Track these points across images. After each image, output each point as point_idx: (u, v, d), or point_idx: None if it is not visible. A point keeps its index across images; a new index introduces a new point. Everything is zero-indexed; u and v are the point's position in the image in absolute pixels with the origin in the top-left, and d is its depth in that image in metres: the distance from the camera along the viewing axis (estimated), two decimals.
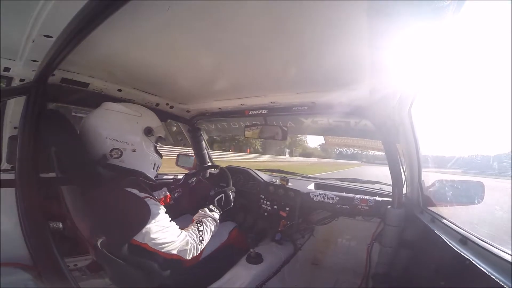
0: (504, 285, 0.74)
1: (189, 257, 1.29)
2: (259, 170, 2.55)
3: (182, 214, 1.97)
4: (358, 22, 0.77)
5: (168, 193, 1.92)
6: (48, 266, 0.99)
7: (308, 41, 1.03)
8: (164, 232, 1.23)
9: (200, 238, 1.37)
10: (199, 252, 1.35)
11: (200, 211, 1.53)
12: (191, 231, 1.37)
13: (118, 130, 1.33)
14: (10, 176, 1.38)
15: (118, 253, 1.23)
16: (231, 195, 1.70)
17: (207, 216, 1.50)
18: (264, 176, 2.40)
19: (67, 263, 1.04)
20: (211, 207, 1.56)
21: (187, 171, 2.52)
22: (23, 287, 1.17)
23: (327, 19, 0.85)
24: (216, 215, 1.53)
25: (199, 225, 1.42)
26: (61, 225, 1.53)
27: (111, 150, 1.30)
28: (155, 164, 1.47)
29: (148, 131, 1.40)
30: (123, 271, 1.34)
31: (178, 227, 1.31)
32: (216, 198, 1.62)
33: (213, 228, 1.47)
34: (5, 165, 1.44)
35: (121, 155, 1.32)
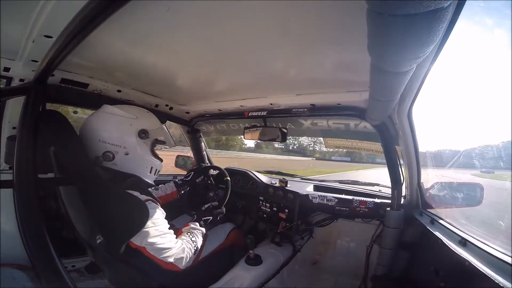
0: (503, 286, 0.74)
1: (182, 267, 1.28)
2: (258, 171, 2.55)
3: (180, 214, 1.98)
4: (357, 23, 0.77)
5: (175, 189, 1.93)
6: (46, 267, 0.98)
7: (308, 43, 1.03)
8: (163, 238, 1.23)
9: (195, 248, 1.37)
10: (191, 263, 1.33)
11: (191, 224, 1.53)
12: (185, 240, 1.37)
13: (110, 132, 1.31)
14: (8, 176, 1.37)
15: (116, 254, 1.23)
16: (219, 217, 1.73)
17: (197, 229, 1.50)
18: (263, 178, 2.40)
19: (65, 264, 1.03)
20: (201, 222, 1.57)
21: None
22: (21, 287, 1.16)
23: (327, 20, 0.85)
24: (203, 230, 1.54)
25: (191, 236, 1.42)
26: (59, 225, 1.53)
27: (103, 153, 1.29)
28: (152, 167, 1.44)
29: (143, 134, 1.38)
30: (122, 273, 1.34)
31: (174, 236, 1.31)
32: (204, 218, 1.62)
33: (201, 242, 1.47)
34: (3, 166, 1.44)
35: (113, 158, 1.30)
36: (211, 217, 1.66)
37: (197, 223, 1.55)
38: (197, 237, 1.44)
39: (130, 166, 1.36)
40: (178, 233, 1.43)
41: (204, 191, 2.12)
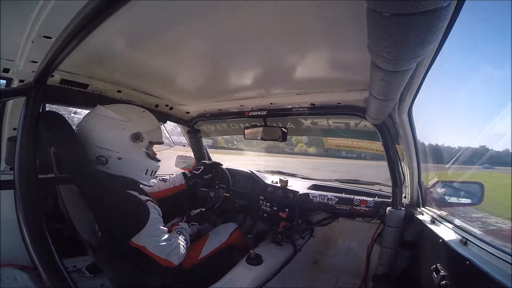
0: (504, 285, 0.74)
1: (177, 263, 1.28)
2: (258, 171, 2.55)
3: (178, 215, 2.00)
4: (357, 22, 0.77)
5: (184, 181, 1.95)
6: (47, 267, 0.99)
7: (308, 42, 1.03)
8: (161, 236, 1.25)
9: (186, 246, 1.38)
10: (182, 259, 1.33)
11: (181, 224, 1.56)
12: (177, 238, 1.38)
13: (103, 137, 1.29)
14: (8, 177, 1.38)
15: (117, 253, 1.23)
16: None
17: (186, 229, 1.52)
18: (264, 177, 2.40)
19: (65, 264, 1.03)
20: (189, 225, 1.60)
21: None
22: (22, 287, 1.17)
23: (327, 19, 0.85)
24: (190, 231, 1.57)
25: (181, 235, 1.43)
26: (60, 225, 1.53)
27: (96, 157, 1.28)
28: (147, 169, 1.43)
29: (136, 137, 1.35)
30: (123, 272, 1.34)
31: (168, 234, 1.32)
32: (192, 222, 1.65)
33: (189, 243, 1.49)
34: (3, 166, 1.44)
35: (106, 162, 1.30)
36: (197, 223, 1.68)
37: (186, 224, 1.57)
38: (187, 237, 1.46)
39: (124, 170, 1.34)
40: (168, 230, 1.44)
41: (207, 188, 2.13)
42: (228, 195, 2.05)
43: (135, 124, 1.37)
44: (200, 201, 2.04)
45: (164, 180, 1.88)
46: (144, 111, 1.46)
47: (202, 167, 2.05)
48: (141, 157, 1.40)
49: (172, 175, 1.97)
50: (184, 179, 1.95)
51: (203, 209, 1.81)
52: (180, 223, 1.56)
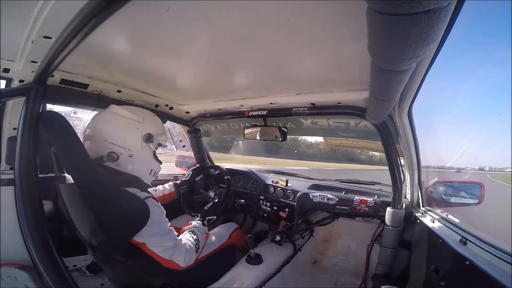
0: (504, 285, 0.74)
1: (183, 265, 1.28)
2: (259, 171, 2.55)
3: (180, 214, 2.00)
4: (357, 22, 0.77)
5: (174, 189, 1.97)
6: (48, 267, 0.99)
7: (308, 42, 1.03)
8: (163, 236, 1.24)
9: (196, 247, 1.38)
10: (193, 262, 1.34)
11: (193, 223, 1.56)
12: (186, 238, 1.38)
13: (117, 134, 1.34)
14: (8, 177, 1.38)
15: (116, 253, 1.23)
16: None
17: (199, 228, 1.52)
18: (264, 177, 2.40)
19: (66, 263, 1.03)
20: (205, 222, 1.61)
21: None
22: (23, 287, 1.17)
23: (327, 19, 0.85)
24: (206, 230, 1.58)
25: (193, 235, 1.43)
26: (60, 225, 1.53)
27: (108, 153, 1.31)
28: (152, 170, 1.48)
29: (148, 138, 1.40)
30: (123, 271, 1.34)
31: (176, 233, 1.32)
32: (208, 217, 1.66)
33: (203, 242, 1.49)
34: (4, 166, 1.44)
35: (117, 158, 1.33)
36: (215, 217, 1.69)
37: (200, 222, 1.56)
38: (200, 236, 1.45)
39: (132, 168, 1.38)
40: (180, 231, 1.44)
41: (204, 190, 2.13)
42: (229, 177, 2.07)
43: (148, 125, 1.42)
44: (201, 204, 2.05)
45: (154, 190, 1.90)
46: (154, 115, 1.51)
47: (191, 172, 2.10)
48: (149, 157, 1.45)
49: (163, 185, 2.00)
50: (174, 187, 1.98)
51: (215, 202, 1.85)
52: (192, 222, 1.56)
